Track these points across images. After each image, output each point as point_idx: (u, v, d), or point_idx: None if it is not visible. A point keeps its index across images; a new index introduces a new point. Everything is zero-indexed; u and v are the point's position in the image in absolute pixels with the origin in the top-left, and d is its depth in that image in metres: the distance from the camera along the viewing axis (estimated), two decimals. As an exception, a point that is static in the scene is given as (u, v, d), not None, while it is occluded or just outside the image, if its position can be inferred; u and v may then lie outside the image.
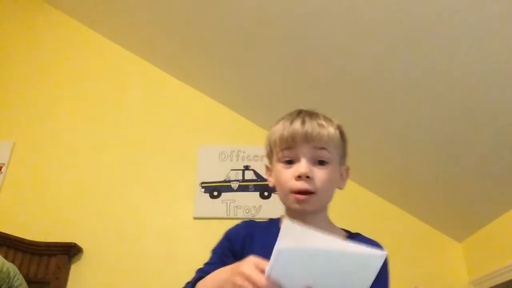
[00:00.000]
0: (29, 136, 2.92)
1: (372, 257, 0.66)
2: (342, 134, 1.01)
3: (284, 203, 0.99)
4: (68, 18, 3.23)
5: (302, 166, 0.92)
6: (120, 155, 2.83)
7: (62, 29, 3.23)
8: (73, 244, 2.48)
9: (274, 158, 0.99)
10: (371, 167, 2.65)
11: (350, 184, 2.73)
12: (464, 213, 2.45)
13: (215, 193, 2.72)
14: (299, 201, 0.92)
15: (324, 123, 0.96)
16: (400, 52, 1.95)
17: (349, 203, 2.66)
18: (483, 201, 2.30)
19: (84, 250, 2.56)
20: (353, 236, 0.99)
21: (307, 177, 0.91)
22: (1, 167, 2.78)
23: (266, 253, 0.68)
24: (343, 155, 1.01)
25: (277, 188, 0.98)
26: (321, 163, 0.94)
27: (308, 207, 0.93)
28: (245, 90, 2.80)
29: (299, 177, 0.91)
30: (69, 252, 2.47)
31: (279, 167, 0.96)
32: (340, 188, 1.01)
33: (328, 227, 0.97)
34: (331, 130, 0.96)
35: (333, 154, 0.96)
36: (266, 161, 1.06)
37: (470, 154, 2.14)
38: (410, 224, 2.67)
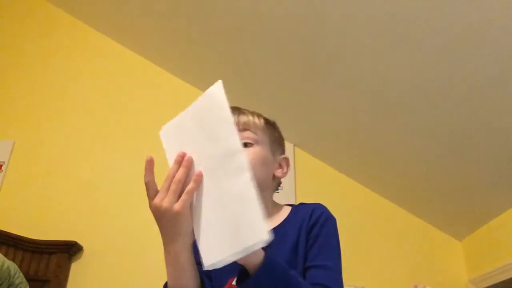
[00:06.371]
0: (29, 135, 2.92)
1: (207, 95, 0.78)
2: (268, 122, 1.01)
3: None
4: (68, 17, 3.23)
5: None
6: (121, 153, 2.83)
7: (61, 28, 3.23)
8: (73, 242, 2.48)
9: None
10: (370, 165, 2.65)
11: (349, 183, 2.77)
12: (464, 211, 2.45)
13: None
14: None
15: (245, 111, 0.97)
16: (400, 49, 1.95)
17: (348, 201, 2.66)
18: (483, 200, 2.30)
19: (84, 248, 2.56)
20: (296, 206, 1.01)
21: None
22: (1, 166, 2.79)
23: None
24: (274, 143, 1.00)
25: None
26: (246, 145, 0.94)
27: None
28: (248, 90, 2.79)
29: None
30: (70, 250, 2.48)
31: None
32: (280, 177, 1.00)
33: (274, 209, 0.99)
34: (250, 117, 0.96)
35: (258, 135, 0.96)
36: None
37: (471, 153, 2.14)
38: (410, 223, 2.67)
